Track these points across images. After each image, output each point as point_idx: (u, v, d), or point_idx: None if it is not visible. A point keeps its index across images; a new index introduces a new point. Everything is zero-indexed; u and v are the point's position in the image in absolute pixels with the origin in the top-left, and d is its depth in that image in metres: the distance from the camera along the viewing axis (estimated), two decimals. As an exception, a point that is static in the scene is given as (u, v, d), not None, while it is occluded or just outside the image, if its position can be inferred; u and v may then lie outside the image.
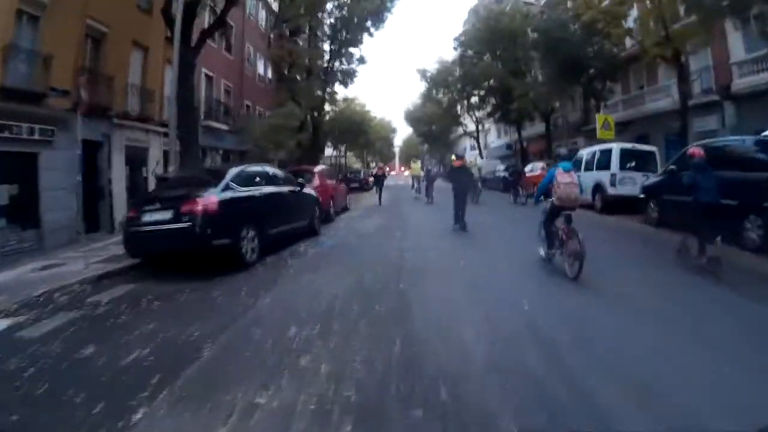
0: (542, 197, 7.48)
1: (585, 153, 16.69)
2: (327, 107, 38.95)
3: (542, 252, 7.48)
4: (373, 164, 67.23)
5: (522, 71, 29.36)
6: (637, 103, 23.61)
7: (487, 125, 48.18)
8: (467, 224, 10.86)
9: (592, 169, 15.48)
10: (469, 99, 41.94)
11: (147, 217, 7.29)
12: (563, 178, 6.71)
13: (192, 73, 13.81)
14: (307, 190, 11.17)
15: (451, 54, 44.38)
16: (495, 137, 50.49)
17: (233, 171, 8.27)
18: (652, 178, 12.12)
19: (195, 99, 15.20)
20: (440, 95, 46.26)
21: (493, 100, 35.39)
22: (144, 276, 7.52)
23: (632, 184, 13.47)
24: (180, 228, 6.91)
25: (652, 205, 11.28)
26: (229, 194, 7.57)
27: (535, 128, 34.70)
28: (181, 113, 12.56)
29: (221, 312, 5.51)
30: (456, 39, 36.07)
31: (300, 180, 10.79)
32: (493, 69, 29.09)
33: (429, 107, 54.57)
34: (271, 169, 10.18)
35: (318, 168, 14.86)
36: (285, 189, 9.80)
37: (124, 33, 16.65)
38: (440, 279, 6.83)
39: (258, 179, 8.94)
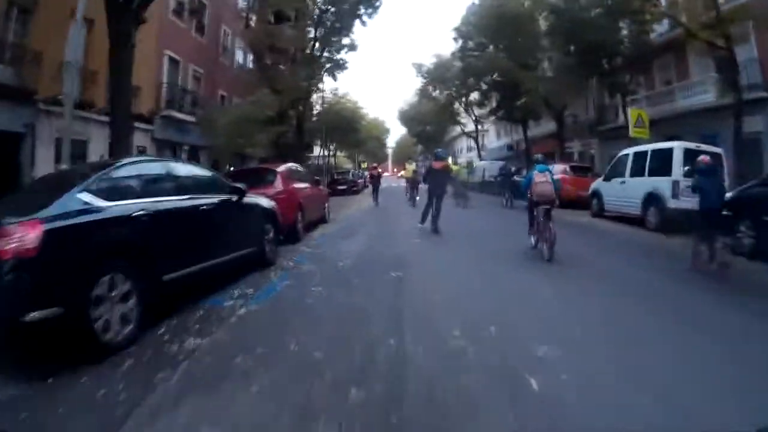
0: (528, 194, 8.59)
1: (629, 154, 13.62)
2: (315, 100, 35.92)
3: (532, 240, 8.64)
4: (365, 164, 64.17)
5: (530, 64, 26.30)
6: (664, 100, 20.68)
7: (486, 125, 45.24)
8: (441, 229, 10.70)
9: (641, 175, 12.47)
10: (468, 95, 38.95)
11: None
12: (539, 178, 8.15)
13: (127, 46, 10.69)
14: (253, 199, 7.37)
15: (449, 49, 41.35)
16: (494, 138, 47.59)
17: (95, 172, 4.54)
18: (742, 188, 9.12)
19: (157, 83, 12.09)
20: (437, 92, 43.25)
21: (496, 97, 32.38)
22: None
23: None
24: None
25: (744, 228, 8.22)
26: (74, 218, 3.87)
27: (541, 128, 31.71)
28: (115, 96, 10.54)
29: None
30: (456, 29, 33.07)
31: (238, 186, 6.66)
32: (498, 61, 25.88)
33: (424, 105, 51.61)
34: (183, 167, 6.28)
35: (282, 168, 11.11)
36: (205, 200, 5.81)
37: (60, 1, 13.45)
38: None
39: (150, 185, 5.10)
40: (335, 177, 29.38)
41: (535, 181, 8.15)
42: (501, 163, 29.72)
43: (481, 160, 41.08)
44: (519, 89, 28.14)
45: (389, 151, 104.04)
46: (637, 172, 12.66)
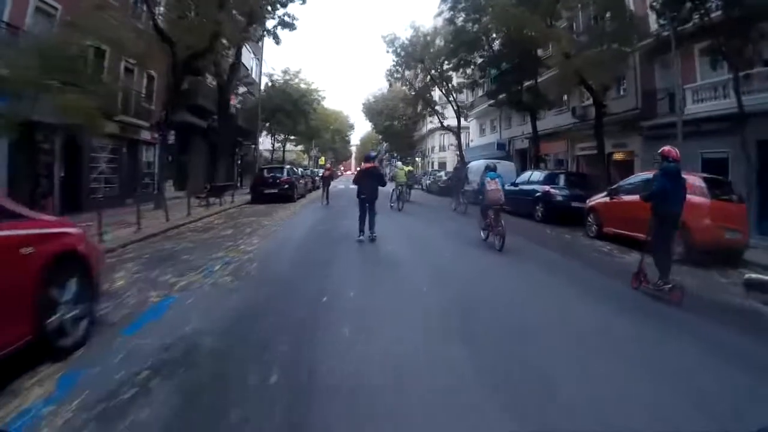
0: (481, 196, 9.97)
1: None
2: (252, 74, 26.98)
3: (482, 234, 10.01)
4: (322, 161, 55.22)
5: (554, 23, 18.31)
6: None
7: (469, 119, 37.23)
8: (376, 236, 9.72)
9: None
10: (450, 79, 30.90)
11: None
12: (490, 185, 9.56)
13: None
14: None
15: (428, 20, 32.95)
16: (476, 134, 39.58)
17: None
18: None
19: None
20: (411, 73, 34.94)
21: (490, 76, 24.25)
22: None
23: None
24: None
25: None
26: None
27: (548, 120, 23.88)
28: None
29: None
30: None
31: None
32: (510, 15, 17.47)
33: (394, 93, 43.38)
34: None
35: None
36: None
37: None
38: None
39: None
40: (262, 175, 20.42)
41: (488, 189, 9.51)
42: (509, 163, 21.88)
43: (463, 160, 33.09)
44: (532, 62, 20.38)
45: (353, 149, 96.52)
46: None
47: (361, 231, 9.59)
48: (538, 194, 14.39)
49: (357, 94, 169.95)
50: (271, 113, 29.72)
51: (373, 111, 57.81)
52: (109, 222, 11.44)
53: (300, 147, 59.24)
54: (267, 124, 34.98)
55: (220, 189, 17.57)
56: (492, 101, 25.75)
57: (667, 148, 6.28)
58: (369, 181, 9.75)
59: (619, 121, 18.98)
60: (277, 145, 42.29)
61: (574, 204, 13.03)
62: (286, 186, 19.43)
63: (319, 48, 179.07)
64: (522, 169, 22.61)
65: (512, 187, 16.70)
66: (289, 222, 12.85)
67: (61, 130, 13.69)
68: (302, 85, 35.07)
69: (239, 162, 34.86)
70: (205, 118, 23.92)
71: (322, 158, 52.60)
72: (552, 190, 13.95)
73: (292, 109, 30.46)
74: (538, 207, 14.33)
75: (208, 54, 16.50)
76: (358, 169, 10.74)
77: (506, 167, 20.81)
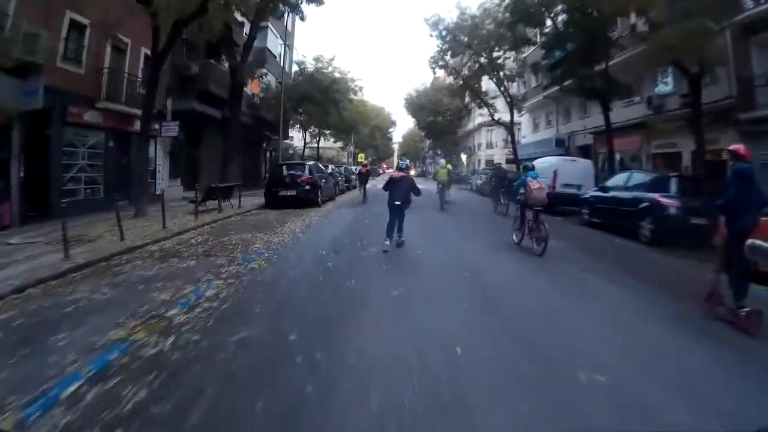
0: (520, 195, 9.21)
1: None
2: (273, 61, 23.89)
3: (515, 238, 9.50)
4: (362, 158, 52.08)
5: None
6: None
7: (521, 113, 33.01)
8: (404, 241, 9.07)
9: None
10: (503, 66, 26.87)
11: None
12: (533, 184, 8.84)
13: None
14: None
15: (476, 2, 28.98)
16: (528, 130, 35.28)
17: None
18: None
19: None
20: (458, 60, 31.07)
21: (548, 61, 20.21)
22: None
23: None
24: None
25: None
26: None
27: (615, 113, 19.50)
28: None
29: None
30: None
31: None
32: None
33: (437, 85, 39.71)
34: None
35: None
36: None
37: None
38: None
39: None
40: (277, 174, 16.77)
41: (531, 188, 8.83)
42: (586, 161, 17.97)
43: (517, 158, 29.09)
44: (602, 42, 16.40)
45: (396, 146, 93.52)
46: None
47: (389, 238, 8.92)
48: (644, 205, 10.43)
49: (399, 90, 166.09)
50: (299, 101, 26.45)
51: (415, 106, 54.68)
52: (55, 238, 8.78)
53: (339, 144, 56.36)
54: (300, 117, 31.99)
55: (222, 191, 14.42)
56: (551, 90, 21.64)
57: (737, 145, 5.54)
58: (401, 189, 9.27)
59: (706, 113, 14.82)
60: (310, 139, 39.17)
61: (694, 220, 9.17)
62: (308, 187, 15.79)
63: (360, 41, 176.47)
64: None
65: (599, 193, 12.89)
66: (301, 241, 9.58)
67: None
68: (336, 74, 31.83)
69: (268, 157, 32.09)
70: (221, 107, 21.11)
71: (361, 155, 49.20)
72: (664, 200, 9.97)
73: (320, 97, 26.92)
74: (643, 223, 10.40)
75: (204, 22, 13.37)
76: (391, 175, 10.08)
77: (584, 166, 17.04)
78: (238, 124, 19.64)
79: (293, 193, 15.55)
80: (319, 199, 16.51)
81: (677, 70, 15.88)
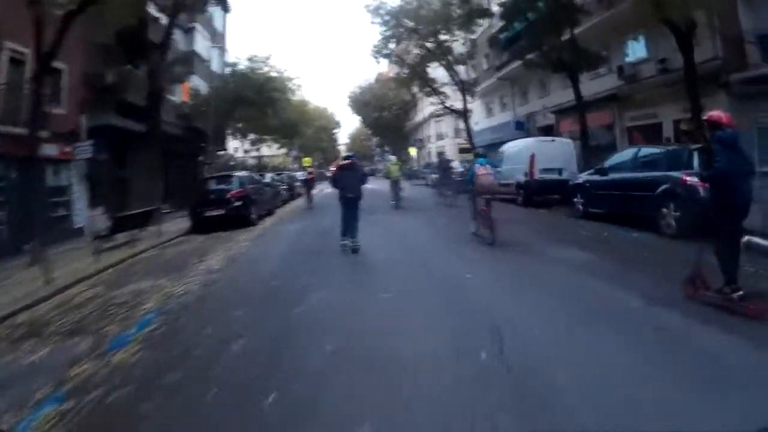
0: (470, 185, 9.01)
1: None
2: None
3: (473, 228, 9.05)
4: (309, 163, 49.12)
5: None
6: None
7: (473, 98, 31.14)
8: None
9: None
10: (467, 25, 24.59)
11: None
12: (480, 170, 8.64)
13: None
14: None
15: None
16: (482, 116, 33.49)
17: None
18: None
19: None
20: (404, 46, 28.82)
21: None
22: None
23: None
24: None
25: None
26: None
27: (589, 86, 17.77)
28: None
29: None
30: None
31: None
32: None
33: (383, 80, 37.53)
34: None
35: None
36: None
37: None
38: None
39: None
40: (203, 190, 14.04)
41: (479, 174, 8.63)
42: (566, 141, 15.86)
43: (473, 146, 27.34)
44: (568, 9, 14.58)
45: (342, 148, 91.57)
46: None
47: (344, 235, 8.80)
48: (665, 188, 8.40)
49: (343, 90, 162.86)
50: (231, 104, 23.31)
51: (359, 103, 52.93)
52: None
53: (285, 150, 53.16)
54: (237, 123, 28.55)
55: (135, 219, 11.43)
56: (508, 69, 19.79)
57: (716, 113, 5.01)
58: (351, 177, 8.90)
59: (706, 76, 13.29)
60: (251, 147, 35.83)
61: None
62: (239, 203, 12.94)
63: (299, 44, 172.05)
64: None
65: (597, 177, 10.81)
66: (214, 290, 6.72)
67: None
68: (272, 73, 28.83)
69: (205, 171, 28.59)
70: (146, 120, 17.96)
71: (307, 159, 46.24)
72: (691, 180, 7.78)
73: (255, 97, 23.80)
74: (666, 210, 8.34)
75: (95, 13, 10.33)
76: (338, 165, 10.17)
77: (563, 147, 14.97)
78: (160, 135, 16.49)
79: (221, 212, 12.66)
80: (254, 216, 13.62)
81: (652, 33, 14.37)
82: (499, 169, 15.30)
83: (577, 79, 15.89)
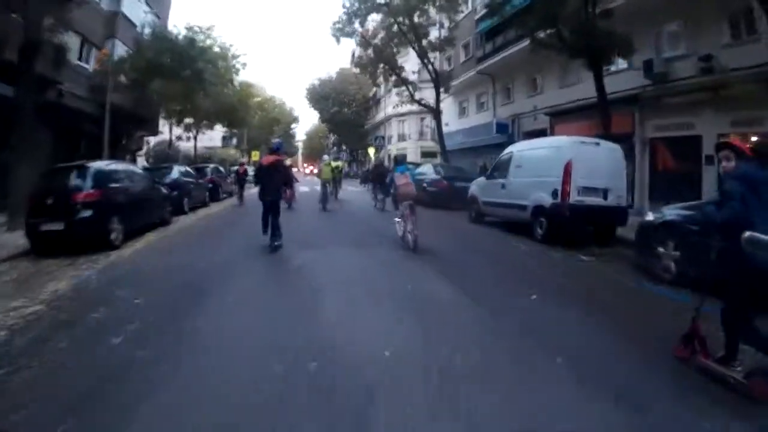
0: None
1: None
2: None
3: (399, 232, 8.92)
4: (257, 156, 43.85)
5: None
6: None
7: (446, 95, 27.11)
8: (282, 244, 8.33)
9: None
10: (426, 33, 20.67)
11: None
12: (400, 180, 8.70)
13: None
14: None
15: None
16: (453, 116, 29.41)
17: None
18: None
19: None
20: (366, 27, 24.47)
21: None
22: None
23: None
24: None
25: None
26: None
27: (588, 86, 13.84)
28: None
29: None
30: None
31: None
32: None
33: (344, 75, 33.24)
34: None
35: None
36: None
37: None
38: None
39: None
40: (39, 191, 7.99)
41: (398, 183, 8.68)
42: (613, 146, 11.26)
43: (444, 148, 23.43)
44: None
45: (300, 144, 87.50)
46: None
47: (265, 231, 8.50)
48: None
49: (302, 85, 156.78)
50: (145, 74, 17.80)
51: (318, 96, 48.71)
52: None
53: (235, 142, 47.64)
54: (155, 97, 22.86)
55: None
56: (492, 61, 16.10)
57: (737, 139, 4.25)
58: (273, 180, 8.37)
59: (741, 81, 10.14)
60: (182, 132, 30.28)
61: None
62: (88, 213, 7.93)
63: (259, 34, 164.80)
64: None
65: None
66: None
67: None
68: (215, 48, 23.63)
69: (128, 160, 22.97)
70: (44, 87, 12.70)
71: (255, 152, 41.26)
72: None
73: (173, 65, 18.44)
74: None
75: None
76: (260, 162, 9.28)
77: (611, 155, 9.62)
78: (31, 105, 11.27)
79: (60, 226, 7.73)
80: (113, 236, 8.48)
81: (694, 22, 10.76)
82: (425, 176, 16.90)
83: (601, 68, 12.01)
